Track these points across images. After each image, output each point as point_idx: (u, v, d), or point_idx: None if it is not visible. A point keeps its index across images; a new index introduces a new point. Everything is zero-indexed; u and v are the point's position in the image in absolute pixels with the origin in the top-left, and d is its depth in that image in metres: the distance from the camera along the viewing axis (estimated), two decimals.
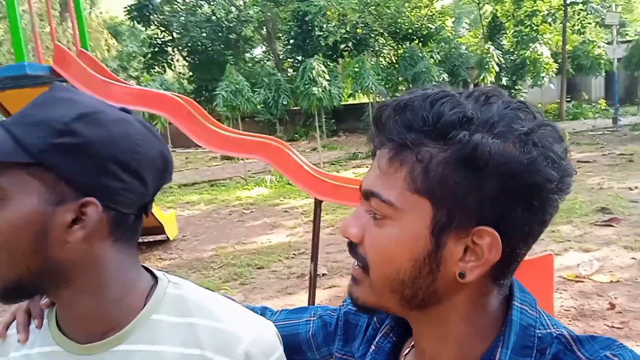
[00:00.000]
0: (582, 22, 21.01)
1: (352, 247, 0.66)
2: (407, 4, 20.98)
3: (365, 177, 0.65)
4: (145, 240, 7.03)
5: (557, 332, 0.62)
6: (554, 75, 19.16)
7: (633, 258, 5.26)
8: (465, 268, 0.60)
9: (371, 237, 0.63)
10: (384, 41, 22.08)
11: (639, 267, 5.05)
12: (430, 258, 0.60)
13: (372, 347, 0.77)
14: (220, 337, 0.76)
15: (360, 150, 14.77)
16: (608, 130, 16.07)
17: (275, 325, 0.85)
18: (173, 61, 24.38)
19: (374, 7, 20.20)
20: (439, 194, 0.58)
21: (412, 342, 0.73)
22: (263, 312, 0.98)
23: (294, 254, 6.16)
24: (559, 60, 19.57)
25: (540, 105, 20.01)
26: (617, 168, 9.99)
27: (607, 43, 19.27)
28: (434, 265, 0.60)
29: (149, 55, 23.34)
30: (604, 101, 21.15)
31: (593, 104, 21.96)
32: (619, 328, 3.80)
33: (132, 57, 27.42)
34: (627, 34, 24.67)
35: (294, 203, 9.13)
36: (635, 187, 8.21)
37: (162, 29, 22.94)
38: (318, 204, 4.36)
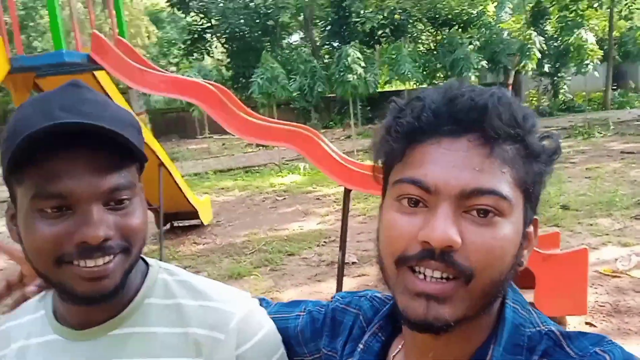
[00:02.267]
0: (630, 7, 20.08)
1: (443, 256, 0.58)
2: None
3: (443, 175, 0.59)
4: (181, 224, 7.20)
5: (547, 329, 0.63)
6: (599, 62, 18.42)
7: None
8: (523, 256, 0.64)
9: (480, 240, 0.58)
10: (423, 27, 21.68)
11: None
12: (518, 253, 0.62)
13: (360, 346, 0.77)
14: (210, 315, 0.80)
15: None
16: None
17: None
18: (212, 48, 24.59)
19: None
20: (529, 189, 0.62)
21: (402, 342, 0.73)
22: (259, 302, 1.00)
23: (324, 242, 6.20)
24: (605, 47, 18.81)
25: (584, 93, 19.33)
26: None
27: None
28: (517, 259, 0.63)
29: (188, 42, 23.62)
30: None
31: None
32: None
33: (172, 43, 27.82)
34: None
35: (326, 191, 9.16)
36: None
37: (202, 15, 23.15)
38: (347, 192, 4.36)
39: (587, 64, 16.14)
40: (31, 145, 0.65)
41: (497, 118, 0.58)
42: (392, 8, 19.66)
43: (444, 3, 20.51)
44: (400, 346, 0.74)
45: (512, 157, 0.59)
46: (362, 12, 19.53)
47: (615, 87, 20.76)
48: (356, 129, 14.38)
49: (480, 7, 21.15)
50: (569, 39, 16.77)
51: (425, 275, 0.59)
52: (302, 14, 23.30)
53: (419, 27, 21.46)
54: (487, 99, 0.59)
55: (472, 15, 20.82)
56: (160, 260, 0.92)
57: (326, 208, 7.97)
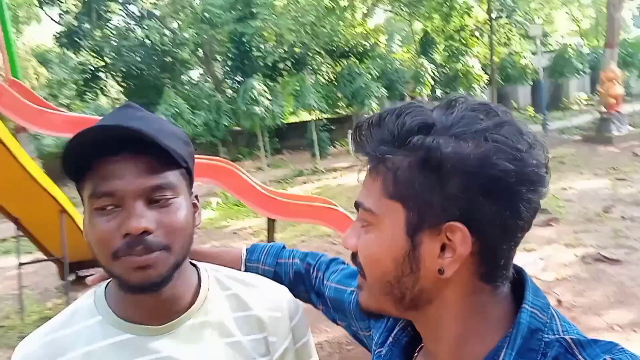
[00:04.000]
0: (508, 34, 22.18)
1: (353, 257, 0.71)
2: (341, 23, 21.39)
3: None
4: (86, 273, 6.70)
5: (560, 336, 0.63)
6: (484, 86, 20.04)
7: (575, 255, 5.54)
8: (443, 264, 0.63)
9: (360, 244, 0.69)
10: (322, 59, 22.38)
11: (581, 263, 5.32)
12: (409, 257, 0.64)
13: (390, 338, 0.80)
14: (265, 299, 0.97)
15: (306, 167, 14.81)
16: (539, 136, 16.88)
17: (331, 285, 1.04)
18: (107, 87, 23.62)
19: (309, 27, 20.44)
20: (407, 196, 0.63)
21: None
22: (329, 264, 1.10)
23: None
24: (489, 72, 20.52)
25: None
26: (551, 170, 10.51)
27: (532, 53, 20.41)
28: (413, 264, 0.64)
29: (81, 82, 22.53)
30: (532, 108, 22.30)
31: (522, 111, 23.10)
32: None
33: (62, 84, 26.36)
34: (549, 44, 26.25)
35: (242, 224, 9.02)
36: (569, 187, 8.68)
37: (94, 54, 22.24)
38: (271, 222, 4.33)
39: (474, 88, 17.48)
40: (82, 151, 0.77)
41: (370, 139, 0.66)
42: (291, 42, 20.13)
43: (340, 36, 21.35)
44: (421, 346, 0.76)
45: (385, 171, 0.64)
46: (262, 46, 19.80)
47: None
48: (266, 159, 14.39)
49: (374, 40, 22.30)
50: (457, 66, 18.10)
51: None
52: (200, 50, 23.16)
53: (319, 60, 22.12)
54: (370, 122, 0.66)
55: (367, 47, 21.88)
56: None
57: (244, 241, 7.82)
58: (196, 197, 0.91)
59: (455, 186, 0.60)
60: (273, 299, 0.98)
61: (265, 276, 1.06)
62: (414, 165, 0.62)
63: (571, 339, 0.62)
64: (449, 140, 0.60)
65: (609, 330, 3.83)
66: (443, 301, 0.66)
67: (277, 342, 0.95)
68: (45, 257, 6.01)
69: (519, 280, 0.69)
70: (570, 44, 20.97)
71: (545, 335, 0.63)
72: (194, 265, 0.96)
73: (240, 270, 1.10)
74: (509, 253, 0.65)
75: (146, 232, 0.78)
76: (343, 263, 1.10)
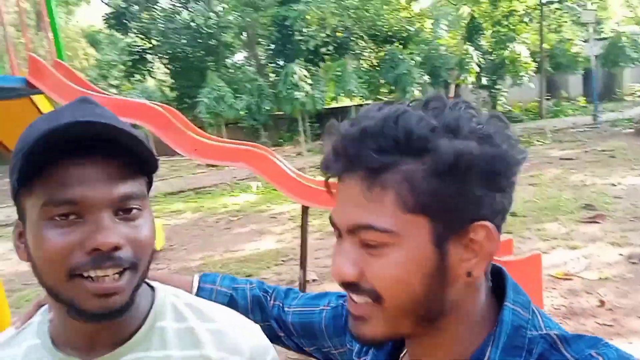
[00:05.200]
0: (559, 20, 21.32)
1: (351, 286, 0.63)
2: (385, 7, 21.05)
3: (337, 212, 0.63)
4: None
5: (545, 332, 0.63)
6: (533, 74, 19.36)
7: (620, 254, 5.31)
8: (471, 266, 0.61)
9: (375, 270, 0.61)
10: (365, 44, 22.13)
11: (626, 263, 5.09)
12: (439, 270, 0.61)
13: None
14: (224, 338, 0.81)
15: None
16: (588, 127, 16.28)
17: (294, 311, 0.97)
18: (153, 69, 24.12)
19: (353, 11, 20.23)
20: (431, 206, 0.59)
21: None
22: (287, 293, 1.04)
23: (282, 261, 6.11)
24: (538, 59, 19.82)
25: (520, 103, 20.24)
26: (600, 164, 10.12)
27: (584, 41, 19.58)
28: (443, 275, 0.61)
29: (129, 64, 23.08)
30: (583, 98, 21.48)
31: (572, 102, 22.27)
32: (609, 325, 3.81)
33: (111, 65, 27.09)
34: (602, 32, 25.08)
35: (281, 209, 9.07)
36: (618, 183, 8.31)
37: (141, 36, 22.70)
38: (305, 209, 4.31)
39: (522, 76, 16.94)
40: (40, 150, 0.65)
41: (366, 149, 0.59)
42: (334, 26, 19.98)
43: (383, 20, 21.04)
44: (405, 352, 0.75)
45: (396, 183, 0.58)
46: (304, 30, 19.73)
47: (548, 97, 21.84)
48: (306, 145, 14.41)
49: (418, 24, 21.86)
50: (504, 53, 17.57)
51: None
52: (244, 33, 23.29)
53: (361, 44, 21.89)
54: (361, 131, 0.60)
55: (411, 32, 21.47)
56: None
57: (282, 226, 7.88)
58: None
59: (479, 186, 0.59)
60: (232, 338, 0.81)
61: (218, 299, 0.99)
62: (432, 171, 0.58)
63: (556, 334, 0.62)
64: (468, 142, 0.58)
65: None
66: (456, 304, 0.64)
67: None
68: None
69: (499, 278, 0.69)
70: (624, 32, 19.97)
71: (529, 332, 0.63)
72: (151, 286, 0.84)
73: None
74: (500, 230, 0.65)
75: (116, 248, 0.68)
76: (298, 292, 1.04)
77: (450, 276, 0.61)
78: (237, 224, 8.43)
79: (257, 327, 0.87)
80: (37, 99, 4.82)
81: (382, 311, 0.62)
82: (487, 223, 0.60)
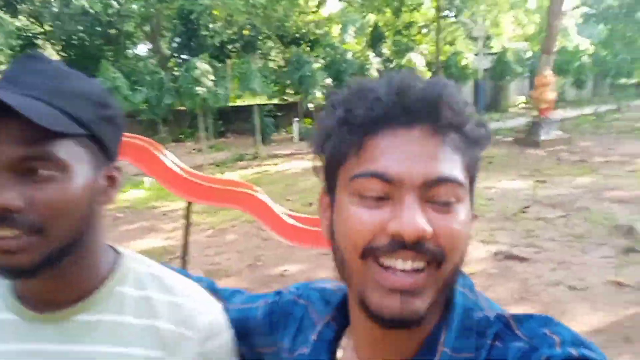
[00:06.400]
0: (453, 34, 22.71)
1: (415, 248, 0.58)
2: (294, 9, 21.26)
3: (406, 165, 0.59)
4: None
5: (496, 313, 0.64)
6: None
7: (487, 251, 5.80)
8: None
9: (448, 227, 0.59)
10: (272, 44, 22.19)
11: (493, 259, 5.57)
12: (469, 235, 0.65)
13: (313, 336, 0.77)
14: (178, 310, 0.80)
15: (248, 152, 14.71)
16: None
17: (233, 307, 0.91)
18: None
19: (261, 10, 20.21)
20: (474, 173, 0.65)
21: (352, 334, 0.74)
22: (233, 294, 0.98)
23: (170, 258, 6.00)
24: (434, 70, 20.98)
25: None
26: (479, 170, 10.90)
27: (475, 54, 21.03)
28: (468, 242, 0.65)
29: (17, 49, 21.35)
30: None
31: None
32: None
33: None
34: (492, 47, 27.08)
35: (174, 206, 8.87)
36: (493, 186, 9.05)
37: (32, 20, 21.12)
38: (189, 206, 4.30)
39: None
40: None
41: (449, 109, 0.61)
42: (242, 24, 19.84)
43: (292, 22, 21.22)
44: (349, 338, 0.74)
45: (459, 145, 0.62)
46: (211, 25, 19.40)
47: None
48: (208, 142, 14.19)
49: (326, 29, 22.31)
50: (402, 61, 18.43)
51: (395, 269, 0.58)
52: (148, 24, 22.42)
53: (269, 44, 21.92)
54: (438, 91, 0.61)
55: (318, 36, 21.86)
56: None
57: (173, 224, 7.72)
58: (117, 169, 0.78)
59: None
60: (188, 312, 0.80)
61: None
62: (481, 144, 0.65)
63: (510, 315, 0.64)
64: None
65: None
66: None
67: None
68: None
69: None
70: (509, 48, 21.71)
71: (476, 314, 0.64)
72: (119, 252, 0.84)
73: None
74: None
75: (8, 210, 0.64)
76: (244, 293, 1.00)
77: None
78: (125, 220, 8.13)
79: (217, 305, 0.85)
80: None
81: (438, 275, 0.60)
82: None
